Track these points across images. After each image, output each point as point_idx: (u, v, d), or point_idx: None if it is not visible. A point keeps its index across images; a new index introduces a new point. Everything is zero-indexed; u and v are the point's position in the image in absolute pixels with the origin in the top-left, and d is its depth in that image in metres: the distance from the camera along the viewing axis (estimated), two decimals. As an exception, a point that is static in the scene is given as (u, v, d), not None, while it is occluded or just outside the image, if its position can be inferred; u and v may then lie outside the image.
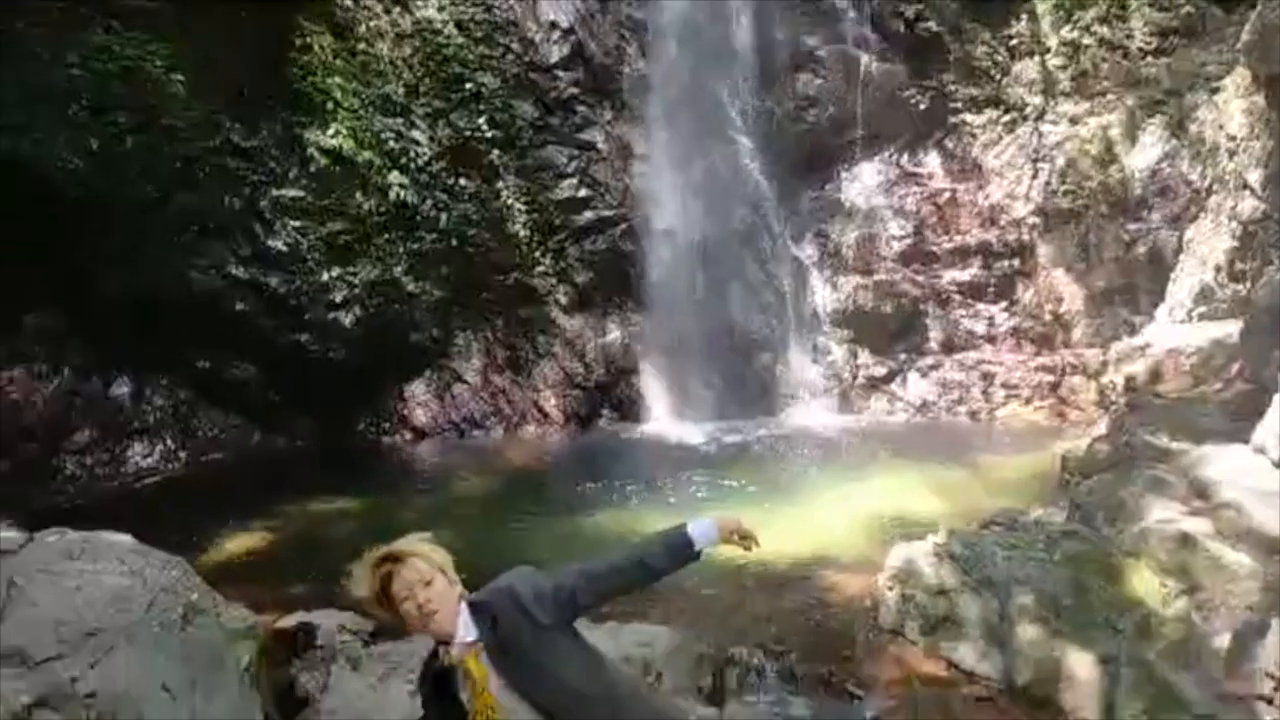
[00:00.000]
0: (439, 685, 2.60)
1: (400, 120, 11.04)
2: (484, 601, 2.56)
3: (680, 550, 2.70)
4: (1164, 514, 5.58)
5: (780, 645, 5.43)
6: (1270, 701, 4.47)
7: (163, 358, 10.41)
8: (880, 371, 12.40)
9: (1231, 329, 8.37)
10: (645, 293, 12.17)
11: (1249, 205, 8.91)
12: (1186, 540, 5.25)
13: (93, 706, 3.26)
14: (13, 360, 9.41)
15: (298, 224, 10.51)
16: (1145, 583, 5.22)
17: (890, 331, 12.40)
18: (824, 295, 12.57)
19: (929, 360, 12.29)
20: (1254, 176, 8.80)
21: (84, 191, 8.91)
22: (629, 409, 12.15)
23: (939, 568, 5.63)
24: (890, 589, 5.73)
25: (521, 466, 10.61)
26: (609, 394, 12.21)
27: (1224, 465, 5.75)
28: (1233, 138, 9.38)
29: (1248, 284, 8.82)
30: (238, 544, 7.69)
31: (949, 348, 12.27)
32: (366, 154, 10.71)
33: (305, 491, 9.10)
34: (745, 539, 2.74)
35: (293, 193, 10.41)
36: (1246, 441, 5.88)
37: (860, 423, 11.94)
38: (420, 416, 11.73)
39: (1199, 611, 4.94)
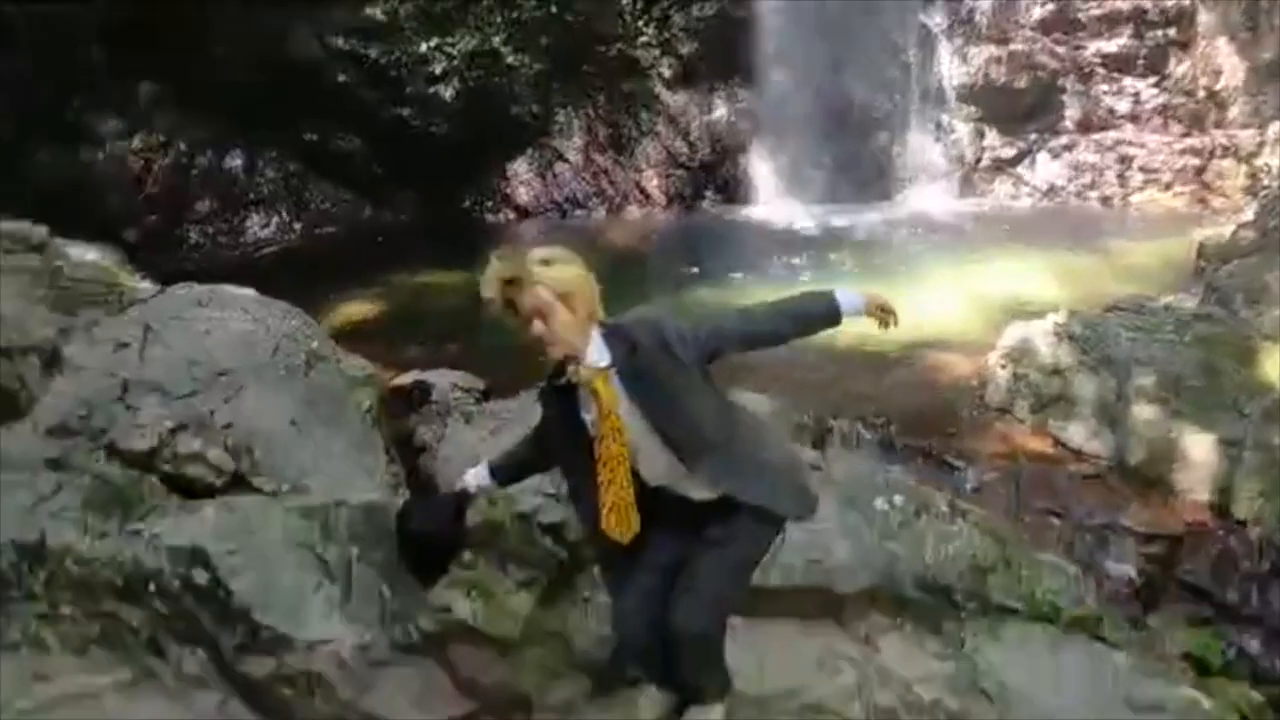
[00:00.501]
0: (561, 400, 2.61)
1: None
2: (624, 328, 2.49)
3: (823, 316, 2.58)
4: (1314, 297, 5.19)
5: (880, 418, 5.40)
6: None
7: (272, 130, 10.52)
8: (1008, 153, 11.57)
9: None
10: (755, 65, 11.36)
11: None
12: (1337, 324, 4.90)
13: (228, 435, 3.50)
14: (131, 131, 9.67)
15: (393, -11, 10.17)
16: (1282, 367, 4.93)
17: (1022, 108, 11.44)
18: (952, 68, 11.54)
19: (1062, 140, 11.37)
20: None
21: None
22: (735, 190, 11.75)
23: (1056, 347, 5.41)
24: (1002, 367, 5.58)
25: (624, 247, 10.53)
26: (714, 174, 11.81)
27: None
28: None
29: None
30: (350, 312, 8.00)
31: (1086, 127, 11.28)
32: (462, -91, 10.09)
33: (413, 265, 9.29)
34: (887, 314, 2.62)
35: (387, -45, 10.00)
36: None
37: (982, 207, 11.32)
38: (523, 195, 11.67)
39: (1337, 398, 4.67)
